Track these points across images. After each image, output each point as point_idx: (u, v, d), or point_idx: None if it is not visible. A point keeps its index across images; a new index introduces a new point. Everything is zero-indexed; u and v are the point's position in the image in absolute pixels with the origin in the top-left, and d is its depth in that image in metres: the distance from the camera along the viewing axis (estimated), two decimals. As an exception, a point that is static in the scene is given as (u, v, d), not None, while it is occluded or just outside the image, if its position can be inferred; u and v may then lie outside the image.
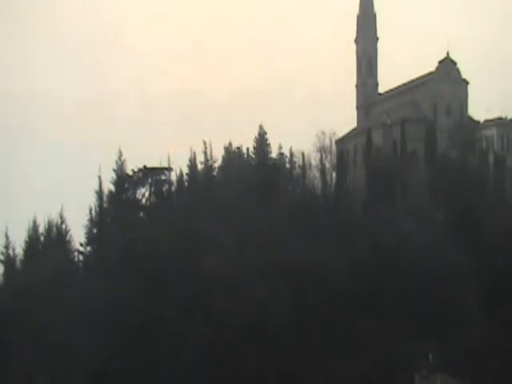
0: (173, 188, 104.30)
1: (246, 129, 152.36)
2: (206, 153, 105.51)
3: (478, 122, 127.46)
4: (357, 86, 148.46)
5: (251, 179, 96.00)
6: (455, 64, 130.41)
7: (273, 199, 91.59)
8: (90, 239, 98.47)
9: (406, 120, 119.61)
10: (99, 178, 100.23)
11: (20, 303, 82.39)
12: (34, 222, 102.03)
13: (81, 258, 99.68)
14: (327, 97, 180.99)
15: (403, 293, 75.33)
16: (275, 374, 72.95)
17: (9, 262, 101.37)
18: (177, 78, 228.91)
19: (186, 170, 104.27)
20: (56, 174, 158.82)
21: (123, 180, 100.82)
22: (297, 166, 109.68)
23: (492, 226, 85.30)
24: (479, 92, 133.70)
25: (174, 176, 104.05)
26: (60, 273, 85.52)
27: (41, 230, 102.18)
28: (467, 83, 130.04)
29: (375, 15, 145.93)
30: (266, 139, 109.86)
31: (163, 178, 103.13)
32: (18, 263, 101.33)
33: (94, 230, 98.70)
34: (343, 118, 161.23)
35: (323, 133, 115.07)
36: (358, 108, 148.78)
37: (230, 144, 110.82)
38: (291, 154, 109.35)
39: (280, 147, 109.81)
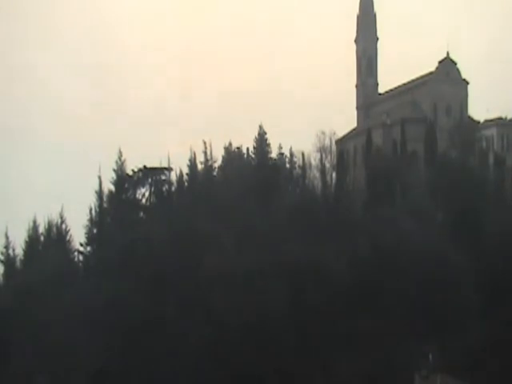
0: (173, 188, 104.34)
1: (246, 129, 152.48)
2: (205, 153, 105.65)
3: (478, 122, 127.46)
4: (357, 86, 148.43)
5: (251, 179, 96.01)
6: (455, 64, 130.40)
7: (273, 199, 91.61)
8: (90, 239, 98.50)
9: (406, 120, 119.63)
10: (99, 178, 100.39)
11: (20, 303, 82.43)
12: (34, 222, 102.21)
13: (81, 258, 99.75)
14: (327, 97, 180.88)
15: (403, 293, 75.33)
16: (275, 373, 72.96)
17: (9, 262, 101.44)
18: (177, 77, 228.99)
19: (186, 170, 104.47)
20: (56, 174, 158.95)
21: (123, 180, 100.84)
22: (297, 166, 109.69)
23: (492, 226, 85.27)
24: (479, 92, 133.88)
25: (174, 176, 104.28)
26: (60, 273, 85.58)
27: (41, 230, 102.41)
28: (467, 83, 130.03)
29: (375, 15, 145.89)
30: (266, 139, 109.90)
31: (163, 177, 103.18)
32: (18, 263, 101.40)
33: (94, 230, 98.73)
34: (343, 118, 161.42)
35: (323, 133, 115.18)
36: (357, 108, 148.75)
37: (230, 144, 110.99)
38: (291, 154, 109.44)
39: (280, 147, 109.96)
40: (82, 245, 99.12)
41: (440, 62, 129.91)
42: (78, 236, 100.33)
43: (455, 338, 72.88)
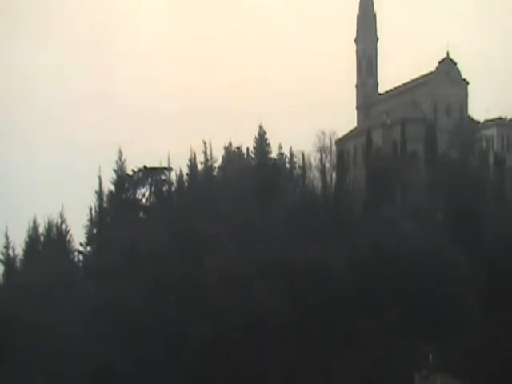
0: (173, 188, 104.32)
1: (246, 129, 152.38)
2: (205, 153, 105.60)
3: (478, 122, 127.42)
4: (357, 86, 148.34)
5: (251, 179, 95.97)
6: (455, 64, 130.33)
7: (273, 199, 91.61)
8: (90, 239, 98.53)
9: (405, 120, 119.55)
10: (99, 178, 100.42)
11: (20, 303, 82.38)
12: (34, 222, 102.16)
13: (81, 258, 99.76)
14: (327, 97, 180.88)
15: (403, 293, 75.36)
16: (275, 373, 72.98)
17: (9, 262, 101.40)
18: (177, 77, 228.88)
19: (185, 170, 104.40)
20: (56, 173, 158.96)
21: (123, 180, 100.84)
22: (297, 166, 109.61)
23: (492, 226, 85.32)
24: (479, 92, 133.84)
25: (174, 176, 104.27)
26: (60, 273, 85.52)
27: (41, 230, 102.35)
28: (467, 83, 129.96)
29: (375, 15, 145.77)
30: (266, 139, 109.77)
31: (163, 177, 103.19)
32: (18, 263, 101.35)
33: (94, 230, 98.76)
34: (343, 118, 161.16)
35: (323, 133, 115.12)
36: (358, 108, 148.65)
37: (230, 144, 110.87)
38: (291, 154, 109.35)
39: (280, 147, 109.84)
40: (81, 245, 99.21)
41: (440, 62, 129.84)
42: (78, 236, 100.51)
43: (455, 338, 72.92)
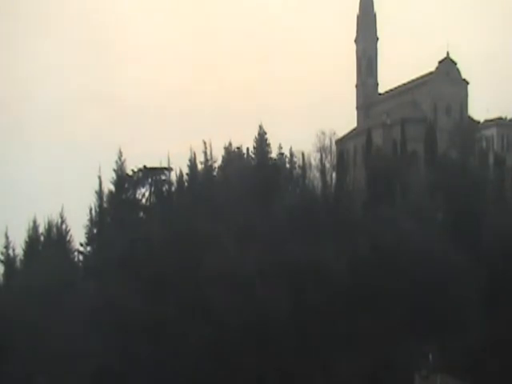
0: (173, 188, 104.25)
1: (246, 129, 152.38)
2: (205, 153, 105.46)
3: (478, 122, 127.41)
4: (357, 86, 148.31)
5: (251, 179, 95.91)
6: (455, 64, 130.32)
7: (273, 199, 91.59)
8: (90, 239, 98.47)
9: (406, 120, 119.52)
10: (99, 178, 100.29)
11: (20, 303, 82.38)
12: (34, 222, 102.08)
13: (81, 258, 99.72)
14: (327, 97, 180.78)
15: (403, 293, 75.38)
16: (275, 373, 73.01)
17: (9, 262, 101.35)
18: (177, 77, 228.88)
19: (186, 170, 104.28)
20: (56, 173, 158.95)
21: (123, 180, 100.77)
22: (297, 166, 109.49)
23: (492, 226, 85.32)
24: (479, 92, 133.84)
25: (174, 176, 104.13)
26: (60, 273, 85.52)
27: (41, 230, 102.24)
28: (467, 83, 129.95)
29: (375, 15, 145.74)
30: (266, 139, 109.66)
31: (163, 177, 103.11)
32: (18, 263, 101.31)
33: (94, 230, 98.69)
34: (343, 118, 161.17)
35: (323, 133, 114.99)
36: (358, 108, 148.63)
37: (230, 144, 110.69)
38: (291, 154, 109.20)
39: (280, 147, 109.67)
40: (81, 245, 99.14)
41: (440, 62, 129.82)
42: (78, 236, 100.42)
43: (455, 338, 72.94)
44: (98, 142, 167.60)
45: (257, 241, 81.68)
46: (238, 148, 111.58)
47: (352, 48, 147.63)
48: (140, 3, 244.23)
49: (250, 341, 72.94)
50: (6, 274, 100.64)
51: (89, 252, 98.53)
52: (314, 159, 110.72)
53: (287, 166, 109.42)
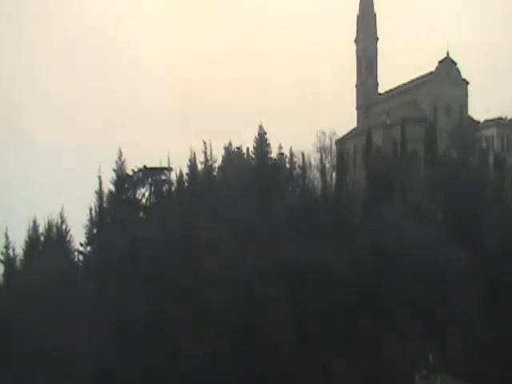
0: (173, 188, 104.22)
1: (246, 129, 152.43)
2: (205, 153, 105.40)
3: (478, 122, 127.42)
4: (357, 86, 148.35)
5: (251, 179, 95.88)
6: (455, 64, 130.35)
7: (273, 199, 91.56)
8: (90, 239, 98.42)
9: (406, 120, 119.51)
10: (99, 178, 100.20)
11: (20, 303, 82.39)
12: (34, 222, 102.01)
13: (81, 257, 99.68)
14: (327, 97, 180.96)
15: (403, 293, 75.40)
16: (275, 373, 73.01)
17: (9, 262, 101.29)
18: (177, 77, 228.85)
19: (185, 170, 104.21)
20: (56, 174, 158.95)
21: (123, 180, 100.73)
22: (297, 166, 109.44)
23: (492, 226, 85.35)
24: (479, 92, 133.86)
25: (174, 176, 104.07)
26: (60, 273, 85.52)
27: (41, 230, 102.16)
28: (467, 83, 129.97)
29: (375, 15, 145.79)
30: (266, 139, 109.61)
31: (163, 177, 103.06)
32: (18, 263, 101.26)
33: (94, 230, 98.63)
34: (343, 118, 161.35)
35: (323, 133, 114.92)
36: (358, 108, 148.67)
37: (230, 144, 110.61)
38: (291, 154, 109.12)
39: (280, 147, 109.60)
40: (82, 245, 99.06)
41: (440, 62, 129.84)
42: (78, 236, 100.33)
43: (455, 338, 72.95)
44: (98, 142, 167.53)
45: (257, 241, 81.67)
46: (238, 148, 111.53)
47: (352, 48, 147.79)
48: (140, 3, 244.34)
49: (250, 341, 72.92)
50: (6, 273, 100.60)
51: (89, 252, 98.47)
52: (314, 159, 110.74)
53: (287, 166, 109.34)
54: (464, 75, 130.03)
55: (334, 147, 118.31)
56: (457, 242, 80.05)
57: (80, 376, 74.53)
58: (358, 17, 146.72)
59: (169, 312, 76.56)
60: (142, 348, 74.79)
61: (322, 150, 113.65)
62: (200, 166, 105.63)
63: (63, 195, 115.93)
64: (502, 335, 74.40)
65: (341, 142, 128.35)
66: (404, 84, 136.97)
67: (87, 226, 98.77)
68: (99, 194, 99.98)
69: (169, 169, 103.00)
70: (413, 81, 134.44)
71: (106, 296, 78.47)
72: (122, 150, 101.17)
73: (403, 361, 69.14)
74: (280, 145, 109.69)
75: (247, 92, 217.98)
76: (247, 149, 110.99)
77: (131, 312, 76.01)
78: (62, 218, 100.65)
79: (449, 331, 73.77)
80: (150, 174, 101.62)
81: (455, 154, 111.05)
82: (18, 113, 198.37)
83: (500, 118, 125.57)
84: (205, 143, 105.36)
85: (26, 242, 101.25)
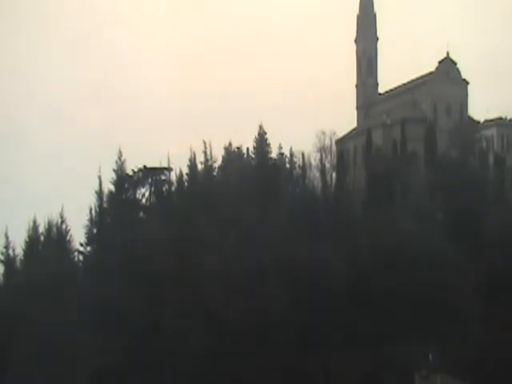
0: (173, 188, 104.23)
1: (246, 129, 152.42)
2: (205, 153, 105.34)
3: (478, 122, 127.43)
4: (357, 86, 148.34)
5: (251, 179, 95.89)
6: (455, 64, 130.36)
7: (273, 199, 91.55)
8: (90, 239, 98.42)
9: (406, 120, 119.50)
10: (99, 178, 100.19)
11: (20, 303, 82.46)
12: (34, 222, 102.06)
13: (81, 258, 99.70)
14: (327, 97, 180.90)
15: (403, 293, 75.37)
16: (275, 373, 73.00)
17: (9, 262, 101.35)
18: (177, 77, 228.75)
19: (185, 170, 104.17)
20: (56, 174, 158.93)
21: (123, 180, 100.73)
22: (297, 166, 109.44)
23: (492, 226, 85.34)
24: (479, 92, 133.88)
25: (173, 176, 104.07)
26: (60, 273, 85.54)
27: (41, 229, 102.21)
28: (467, 83, 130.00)
29: (375, 15, 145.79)
30: (266, 139, 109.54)
31: (163, 178, 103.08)
32: (18, 263, 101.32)
33: (94, 230, 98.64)
34: (343, 118, 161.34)
35: (323, 133, 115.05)
36: (358, 108, 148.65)
37: (230, 144, 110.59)
38: (291, 154, 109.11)
39: (280, 147, 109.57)
40: (81, 245, 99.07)
41: (440, 62, 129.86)
42: (78, 236, 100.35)
43: (455, 338, 72.92)
44: (98, 142, 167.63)
45: (257, 241, 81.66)
46: (238, 148, 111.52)
47: (352, 48, 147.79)
48: (140, 3, 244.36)
49: (250, 340, 72.93)
50: (6, 273, 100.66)
51: (89, 252, 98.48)
52: (314, 159, 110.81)
53: (287, 166, 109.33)
54: (464, 75, 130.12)
55: (334, 147, 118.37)
56: (457, 242, 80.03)
57: (80, 376, 74.57)
58: (357, 17, 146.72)
59: (169, 312, 76.55)
60: (142, 347, 74.76)
61: (322, 150, 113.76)
62: (200, 166, 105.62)
63: (63, 195, 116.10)
64: (501, 335, 74.36)
65: (341, 142, 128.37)
66: (404, 84, 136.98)
67: (87, 226, 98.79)
68: (99, 194, 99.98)
69: (169, 169, 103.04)
70: (413, 81, 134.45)
71: (106, 296, 78.43)
72: (121, 149, 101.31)
73: (403, 361, 69.13)
74: (280, 145, 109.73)
75: (247, 92, 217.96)
76: (247, 149, 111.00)
77: (131, 312, 76.01)
78: (62, 218, 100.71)
79: (449, 331, 73.69)
80: (150, 173, 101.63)
81: (455, 153, 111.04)
82: (18, 112, 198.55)
83: (500, 118, 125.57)
84: (205, 143, 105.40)
85: (26, 242, 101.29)
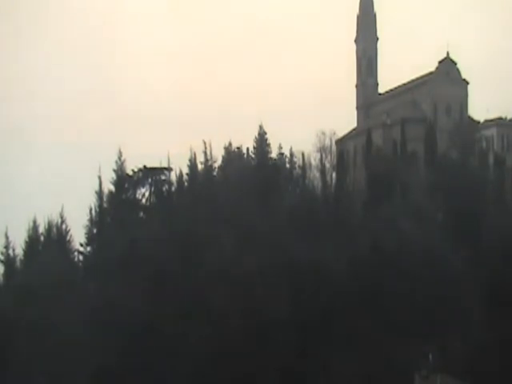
0: (173, 188, 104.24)
1: (246, 129, 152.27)
2: (205, 153, 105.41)
3: (478, 122, 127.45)
4: (357, 86, 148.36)
5: (251, 179, 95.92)
6: (455, 64, 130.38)
7: (273, 199, 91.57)
8: (90, 239, 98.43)
9: (406, 120, 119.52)
10: (99, 178, 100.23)
11: (20, 303, 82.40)
12: (34, 222, 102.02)
13: (81, 258, 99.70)
14: (327, 97, 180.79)
15: (403, 293, 75.37)
16: (275, 373, 73.00)
17: (9, 262, 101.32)
18: (177, 78, 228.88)
19: (185, 170, 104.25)
20: (56, 174, 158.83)
21: (123, 180, 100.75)
22: (297, 166, 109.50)
23: (492, 227, 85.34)
24: (479, 92, 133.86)
25: (173, 176, 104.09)
26: (60, 273, 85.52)
27: (41, 230, 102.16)
28: (467, 83, 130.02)
29: (375, 15, 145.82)
30: (266, 139, 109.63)
31: (163, 178, 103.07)
32: (18, 263, 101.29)
33: (94, 230, 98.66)
34: (343, 118, 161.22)
35: (323, 133, 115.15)
36: (358, 108, 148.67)
37: (230, 144, 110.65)
38: (291, 154, 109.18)
39: (280, 147, 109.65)
40: (81, 245, 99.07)
41: (440, 62, 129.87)
42: (78, 236, 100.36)
43: (455, 338, 72.94)
44: (98, 141, 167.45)
45: (257, 241, 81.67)
46: (238, 148, 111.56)
47: (352, 48, 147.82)
48: (140, 3, 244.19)
49: (250, 341, 72.92)
50: (6, 273, 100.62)
51: (89, 252, 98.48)
52: (314, 159, 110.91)
53: (287, 166, 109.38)
54: (464, 75, 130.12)
55: (334, 147, 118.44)
56: (457, 242, 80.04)
57: (80, 376, 74.54)
58: (357, 17, 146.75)
59: (169, 312, 76.56)
60: (142, 348, 74.75)
61: (322, 149, 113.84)
62: (200, 166, 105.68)
63: (63, 195, 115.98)
64: (501, 335, 74.37)
65: (341, 142, 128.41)
66: (404, 84, 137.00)
67: (87, 226, 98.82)
68: (99, 194, 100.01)
69: (169, 169, 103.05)
70: (413, 81, 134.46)
71: (106, 296, 78.43)
72: (121, 149, 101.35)
73: (403, 361, 69.14)
74: (280, 145, 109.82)
75: (247, 92, 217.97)
76: (247, 149, 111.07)
77: (131, 312, 75.99)
78: (62, 218, 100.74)
79: (449, 331, 73.71)
80: (150, 173, 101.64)
81: (455, 154, 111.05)
82: (18, 112, 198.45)
83: (500, 118, 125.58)
84: (205, 143, 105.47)
85: (26, 242, 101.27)
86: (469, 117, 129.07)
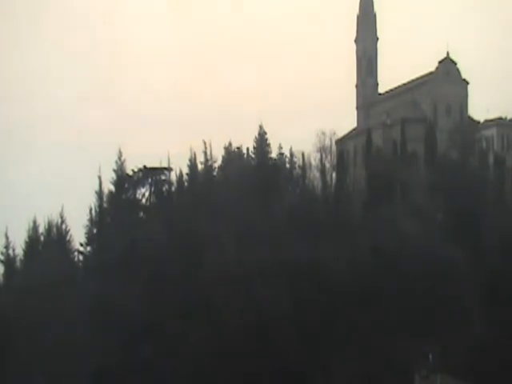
0: (173, 188, 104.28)
1: (246, 129, 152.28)
2: (205, 153, 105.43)
3: (478, 122, 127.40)
4: (357, 86, 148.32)
5: (251, 179, 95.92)
6: (455, 64, 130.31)
7: (273, 199, 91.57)
8: (90, 239, 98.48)
9: (406, 120, 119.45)
10: (99, 178, 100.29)
11: (20, 303, 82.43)
12: (34, 222, 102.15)
13: (81, 258, 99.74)
14: (327, 97, 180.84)
15: (403, 293, 75.40)
16: (275, 373, 73.00)
17: (9, 262, 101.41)
18: (177, 78, 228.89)
19: (185, 170, 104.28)
20: (56, 174, 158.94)
21: (123, 180, 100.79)
22: (297, 166, 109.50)
23: (492, 227, 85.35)
24: (479, 92, 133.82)
25: (174, 176, 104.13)
26: (60, 273, 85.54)
27: (41, 230, 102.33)
28: (467, 83, 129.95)
29: (375, 15, 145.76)
30: (266, 139, 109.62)
31: (163, 178, 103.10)
32: (18, 263, 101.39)
33: (94, 230, 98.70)
34: (343, 118, 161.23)
35: (323, 133, 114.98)
36: (358, 108, 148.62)
37: (230, 144, 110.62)
38: (291, 154, 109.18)
39: (280, 147, 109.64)
40: (81, 245, 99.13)
41: (440, 62, 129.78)
42: (78, 236, 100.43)
43: (455, 338, 72.93)
44: (98, 142, 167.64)
45: (257, 241, 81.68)
46: (238, 148, 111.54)
47: (352, 48, 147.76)
48: (140, 3, 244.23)
49: (250, 341, 72.93)
50: (6, 273, 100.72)
51: (89, 252, 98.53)
52: (314, 159, 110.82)
53: (287, 166, 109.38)
54: (464, 75, 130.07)
55: (334, 147, 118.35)
56: (457, 243, 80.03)
57: (80, 376, 74.55)
58: (357, 17, 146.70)
59: (169, 311, 76.57)
60: (142, 348, 74.77)
61: (322, 149, 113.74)
62: (200, 166, 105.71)
63: (63, 195, 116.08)
64: (501, 335, 74.38)
65: (341, 142, 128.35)
66: (404, 84, 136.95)
67: (87, 226, 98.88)
68: (99, 194, 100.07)
69: (169, 169, 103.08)
70: (413, 81, 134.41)
71: (106, 296, 78.44)
72: (121, 149, 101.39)
73: (403, 361, 69.13)
74: (280, 145, 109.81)
75: (247, 92, 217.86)
76: (247, 149, 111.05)
77: (131, 312, 76.01)
78: (62, 218, 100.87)
79: (449, 331, 73.70)
80: (150, 174, 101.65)
81: (455, 154, 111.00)
82: (18, 112, 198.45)
83: (500, 118, 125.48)
84: (205, 143, 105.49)
85: (26, 242, 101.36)
86: (469, 117, 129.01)
